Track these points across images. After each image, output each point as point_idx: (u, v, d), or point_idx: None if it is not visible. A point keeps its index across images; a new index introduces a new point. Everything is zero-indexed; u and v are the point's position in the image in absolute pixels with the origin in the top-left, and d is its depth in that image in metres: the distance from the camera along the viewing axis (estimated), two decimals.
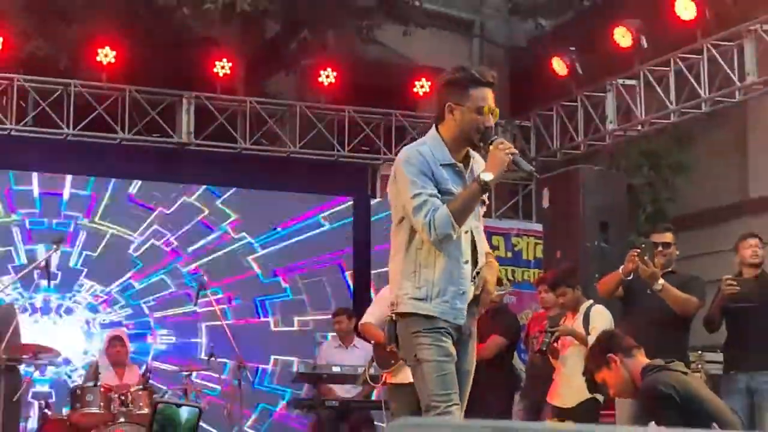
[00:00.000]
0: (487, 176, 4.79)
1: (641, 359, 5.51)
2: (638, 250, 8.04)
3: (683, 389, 5.19)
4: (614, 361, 5.53)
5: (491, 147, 4.85)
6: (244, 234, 12.99)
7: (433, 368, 4.90)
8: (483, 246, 5.10)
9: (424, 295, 4.89)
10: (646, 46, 11.77)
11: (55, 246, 9.42)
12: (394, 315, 5.00)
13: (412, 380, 8.16)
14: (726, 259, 12.78)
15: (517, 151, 4.91)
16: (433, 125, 5.05)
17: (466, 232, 4.95)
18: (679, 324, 8.08)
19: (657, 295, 7.87)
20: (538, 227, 12.91)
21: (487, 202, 5.13)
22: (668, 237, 8.44)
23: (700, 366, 9.91)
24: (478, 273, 5.04)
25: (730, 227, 13.28)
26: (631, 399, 6.86)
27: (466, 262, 4.93)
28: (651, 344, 6.13)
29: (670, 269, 8.20)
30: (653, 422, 5.07)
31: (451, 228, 4.79)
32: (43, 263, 9.77)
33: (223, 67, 12.40)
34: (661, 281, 7.83)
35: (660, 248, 8.30)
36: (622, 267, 8.10)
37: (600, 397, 8.59)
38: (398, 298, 4.98)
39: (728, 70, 11.11)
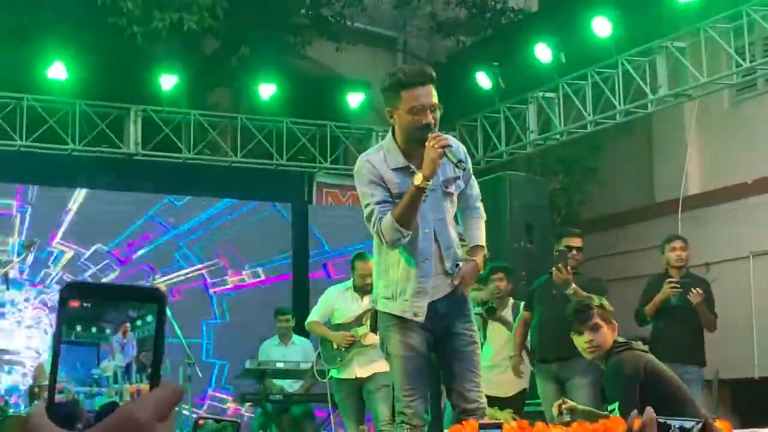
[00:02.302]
0: (417, 179, 4.64)
1: (613, 333, 5.54)
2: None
3: (649, 370, 5.25)
4: (602, 326, 5.51)
5: (426, 144, 4.68)
6: (186, 236, 13.14)
7: (398, 363, 4.92)
8: (452, 238, 4.94)
9: (391, 294, 4.92)
10: (564, 61, 12.14)
11: (26, 251, 9.43)
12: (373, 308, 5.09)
13: (358, 375, 8.46)
14: (630, 259, 13.27)
15: (449, 143, 4.69)
16: (390, 131, 4.98)
17: (426, 231, 4.83)
18: None
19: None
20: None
21: (455, 192, 4.96)
22: (578, 241, 8.67)
23: None
24: (457, 266, 4.96)
25: (636, 229, 13.71)
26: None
27: (425, 260, 4.84)
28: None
29: (576, 271, 8.43)
30: (617, 402, 5.13)
31: (397, 233, 4.69)
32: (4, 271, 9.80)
33: (168, 82, 12.51)
34: (573, 286, 7.97)
35: (573, 252, 8.54)
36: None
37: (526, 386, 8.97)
38: (376, 296, 5.06)
39: (641, 83, 11.52)
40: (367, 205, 4.83)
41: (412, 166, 4.83)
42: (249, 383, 11.09)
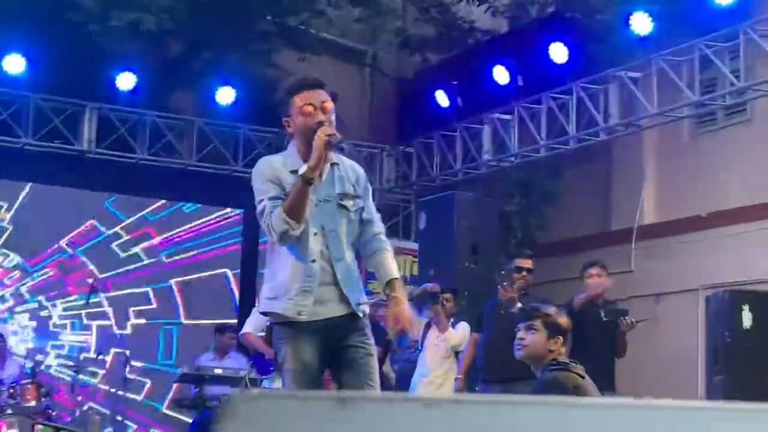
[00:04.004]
0: (302, 168, 4.69)
1: (557, 354, 5.43)
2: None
3: (578, 394, 5.14)
4: (539, 332, 5.44)
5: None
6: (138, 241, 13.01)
7: (289, 377, 4.85)
8: (345, 256, 4.91)
9: (275, 294, 4.85)
10: (521, 84, 12.06)
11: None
12: (270, 322, 5.03)
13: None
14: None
15: (333, 132, 4.73)
16: (289, 141, 5.03)
17: (315, 233, 4.83)
18: None
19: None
20: (416, 246, 13.08)
21: (351, 210, 4.95)
22: (529, 263, 8.68)
23: None
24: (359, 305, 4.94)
25: (591, 256, 13.56)
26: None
27: (313, 261, 4.81)
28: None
29: (524, 292, 8.43)
30: None
31: (286, 224, 4.69)
32: None
33: (126, 81, 12.35)
34: (519, 305, 7.97)
35: (523, 273, 8.54)
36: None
37: None
38: (259, 300, 5.05)
39: (594, 111, 11.44)
40: (260, 201, 4.82)
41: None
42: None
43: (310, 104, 4.78)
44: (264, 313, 5.03)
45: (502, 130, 12.60)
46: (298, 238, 4.77)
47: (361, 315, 4.92)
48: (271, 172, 4.84)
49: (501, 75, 12.09)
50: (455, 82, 12.74)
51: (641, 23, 10.63)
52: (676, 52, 10.70)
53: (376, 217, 5.14)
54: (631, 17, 10.66)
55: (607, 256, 11.86)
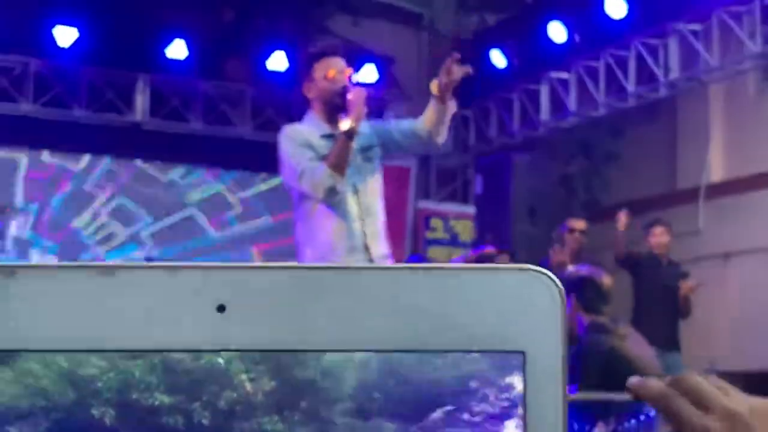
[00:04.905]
0: (345, 124, 4.84)
1: (591, 318, 5.31)
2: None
3: (612, 356, 5.07)
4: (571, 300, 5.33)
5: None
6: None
7: None
8: (376, 208, 5.10)
9: (320, 255, 4.88)
10: (578, 40, 11.75)
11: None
12: None
13: None
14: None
15: (364, 92, 4.96)
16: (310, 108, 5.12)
17: (350, 193, 4.98)
18: None
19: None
20: (474, 211, 12.90)
21: (374, 159, 5.14)
22: (582, 224, 8.47)
23: None
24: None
25: (657, 216, 13.31)
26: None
27: (354, 221, 4.96)
28: None
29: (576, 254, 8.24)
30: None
31: (332, 179, 4.79)
32: None
33: (178, 50, 12.26)
34: (570, 267, 7.79)
35: (576, 234, 8.35)
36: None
37: None
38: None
39: (653, 67, 11.10)
40: (297, 164, 4.89)
41: (337, 133, 4.97)
42: None
43: (334, 69, 4.98)
44: None
45: (561, 89, 12.30)
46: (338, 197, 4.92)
47: None
48: (302, 138, 4.97)
49: (558, 33, 11.76)
50: (511, 42, 12.43)
51: None
52: (736, 2, 10.33)
53: (398, 124, 5.34)
54: None
55: (674, 216, 11.61)
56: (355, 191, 4.99)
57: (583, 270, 5.33)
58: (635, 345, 5.22)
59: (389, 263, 4.97)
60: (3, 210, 9.35)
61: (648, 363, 5.22)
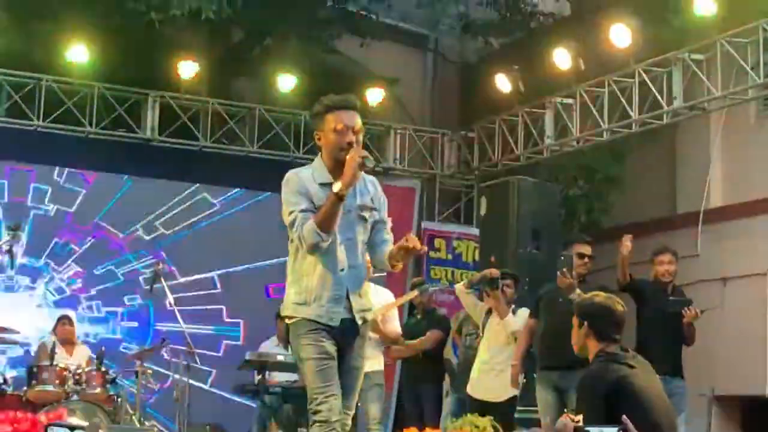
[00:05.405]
0: (336, 186, 4.93)
1: (603, 345, 5.18)
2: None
3: (620, 385, 4.95)
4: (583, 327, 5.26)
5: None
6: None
7: (311, 365, 5.02)
8: (359, 262, 5.21)
9: (304, 300, 5.10)
10: (583, 68, 11.90)
11: (12, 233, 9.33)
12: (287, 320, 5.19)
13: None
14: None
15: (365, 154, 5.02)
16: (319, 155, 5.24)
17: (341, 243, 5.11)
18: None
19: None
20: (478, 232, 12.98)
21: (368, 220, 5.24)
22: (588, 249, 8.54)
23: None
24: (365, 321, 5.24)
25: (657, 240, 13.39)
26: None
27: (342, 270, 5.11)
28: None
29: (582, 279, 8.30)
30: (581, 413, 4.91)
31: (317, 236, 4.96)
32: (6, 247, 9.76)
33: (188, 69, 12.39)
34: (578, 291, 7.84)
35: (585, 260, 8.43)
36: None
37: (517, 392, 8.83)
38: (284, 303, 5.22)
39: (657, 94, 11.25)
40: (291, 212, 5.06)
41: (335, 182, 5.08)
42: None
43: (343, 125, 5.06)
44: (288, 317, 5.18)
45: (565, 114, 12.46)
46: (327, 248, 5.04)
47: (360, 322, 5.20)
48: (301, 185, 5.06)
49: (563, 58, 11.92)
50: (516, 67, 12.58)
51: (704, 4, 10.44)
52: (739, 33, 10.49)
53: (389, 227, 5.41)
54: None
55: (673, 240, 11.71)
56: (346, 244, 5.14)
57: (598, 297, 5.35)
58: (643, 375, 5.21)
59: (368, 317, 5.26)
60: (17, 228, 9.39)
61: (655, 394, 5.17)
